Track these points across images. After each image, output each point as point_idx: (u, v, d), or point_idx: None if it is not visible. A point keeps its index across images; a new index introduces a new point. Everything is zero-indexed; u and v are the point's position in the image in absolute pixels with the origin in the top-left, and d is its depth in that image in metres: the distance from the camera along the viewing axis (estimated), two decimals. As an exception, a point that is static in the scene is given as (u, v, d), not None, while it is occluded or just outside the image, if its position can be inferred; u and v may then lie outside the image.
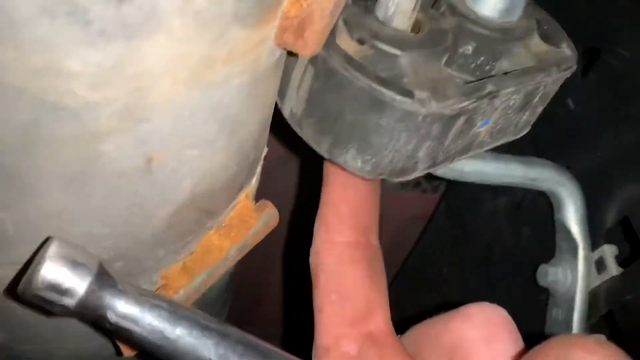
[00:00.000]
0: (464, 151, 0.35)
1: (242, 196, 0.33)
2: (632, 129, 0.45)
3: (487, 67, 0.34)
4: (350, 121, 0.30)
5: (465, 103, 0.30)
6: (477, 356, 0.30)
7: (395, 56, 0.30)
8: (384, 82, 0.28)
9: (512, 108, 0.34)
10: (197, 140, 0.24)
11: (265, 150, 0.34)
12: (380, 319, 0.32)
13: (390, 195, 0.91)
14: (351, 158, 0.31)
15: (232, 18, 0.21)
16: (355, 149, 0.30)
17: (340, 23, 0.30)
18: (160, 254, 0.29)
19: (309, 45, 0.25)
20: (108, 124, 0.21)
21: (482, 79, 0.32)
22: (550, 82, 0.34)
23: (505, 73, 0.33)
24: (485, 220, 0.62)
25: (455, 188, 0.70)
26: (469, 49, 0.33)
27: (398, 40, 0.30)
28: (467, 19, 0.33)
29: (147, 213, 0.26)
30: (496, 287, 0.60)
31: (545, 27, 0.37)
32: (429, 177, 0.40)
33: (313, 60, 0.30)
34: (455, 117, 0.30)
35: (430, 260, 0.75)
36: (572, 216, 0.46)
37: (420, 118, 0.29)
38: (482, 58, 0.34)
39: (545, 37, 0.36)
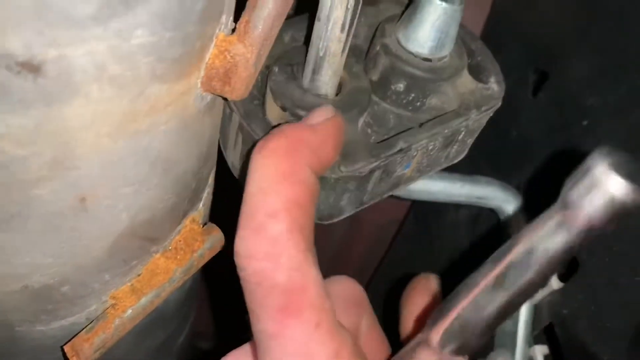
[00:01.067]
0: (392, 188, 0.37)
1: (187, 221, 0.35)
2: (571, 152, 0.47)
3: (418, 103, 0.37)
4: None
5: (374, 164, 0.32)
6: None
7: None
8: None
9: (434, 149, 0.36)
10: (130, 180, 0.27)
11: (212, 176, 0.36)
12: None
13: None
14: None
15: (150, 78, 0.23)
16: None
17: (268, 90, 0.33)
18: (106, 277, 0.32)
19: (236, 90, 0.27)
20: (38, 173, 0.23)
21: (393, 136, 0.34)
22: (472, 123, 0.37)
23: (421, 124, 0.35)
24: (447, 231, 0.65)
25: (422, 198, 0.72)
26: (400, 86, 0.36)
27: (316, 107, 0.32)
28: (399, 59, 0.35)
29: (88, 244, 0.28)
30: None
31: (478, 59, 0.39)
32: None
33: (241, 128, 0.33)
34: (368, 174, 0.33)
35: (400, 266, 0.78)
36: (516, 231, 0.49)
37: (332, 181, 0.31)
38: (412, 95, 0.36)
39: (476, 71, 0.39)
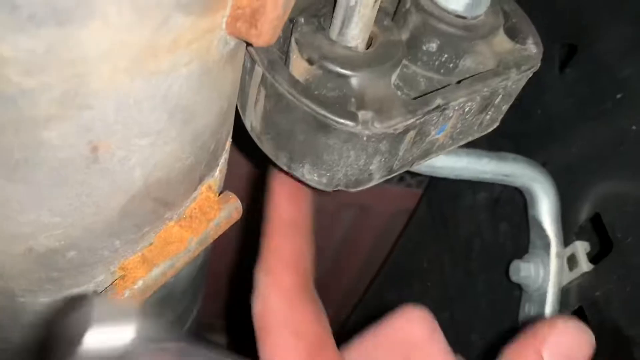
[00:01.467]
0: (423, 156, 0.35)
1: (203, 188, 0.33)
2: (605, 126, 0.44)
3: (451, 65, 0.34)
4: (301, 140, 0.30)
5: (411, 121, 0.30)
6: (431, 352, 0.30)
7: (343, 76, 0.30)
8: (326, 106, 0.29)
9: (470, 112, 0.34)
10: (146, 129, 0.24)
11: (229, 142, 0.34)
12: (333, 353, 0.33)
13: (375, 189, 0.91)
14: (307, 172, 0.31)
15: (175, 5, 0.20)
16: (310, 164, 0.31)
17: (293, 42, 0.30)
18: (116, 244, 0.29)
19: (263, 35, 0.25)
20: (47, 110, 0.20)
21: (431, 92, 0.31)
22: (511, 84, 0.34)
23: (459, 81, 0.32)
24: (464, 215, 0.62)
25: (437, 183, 0.70)
26: (433, 46, 0.33)
27: (346, 60, 0.30)
28: (431, 16, 0.33)
29: (98, 203, 0.26)
30: (475, 281, 0.60)
31: (513, 21, 0.37)
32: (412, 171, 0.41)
33: (264, 81, 0.30)
34: (403, 133, 0.30)
35: (412, 253, 0.75)
36: (546, 212, 0.46)
37: (364, 138, 0.29)
38: (446, 55, 0.34)
39: (512, 33, 0.36)
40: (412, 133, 0.31)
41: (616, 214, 0.42)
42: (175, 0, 0.20)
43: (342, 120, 0.29)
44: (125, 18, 0.19)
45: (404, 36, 0.34)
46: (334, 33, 0.31)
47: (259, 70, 0.31)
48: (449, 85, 0.33)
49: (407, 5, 0.34)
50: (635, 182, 0.41)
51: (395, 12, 0.36)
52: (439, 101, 0.31)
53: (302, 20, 0.31)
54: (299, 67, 0.31)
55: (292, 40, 0.31)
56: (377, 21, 0.32)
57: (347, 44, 0.31)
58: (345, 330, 0.90)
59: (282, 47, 0.32)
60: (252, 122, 0.34)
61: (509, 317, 0.52)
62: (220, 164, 0.34)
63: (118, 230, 0.28)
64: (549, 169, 0.49)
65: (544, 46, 0.52)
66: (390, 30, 0.33)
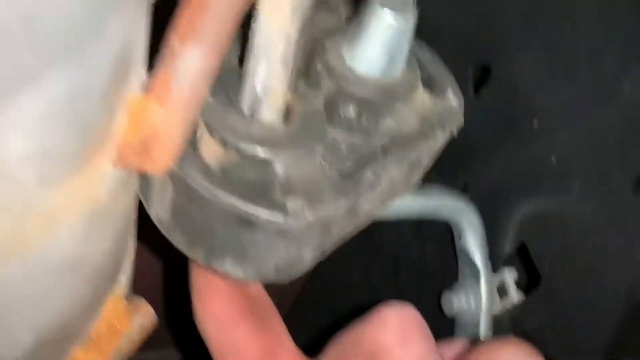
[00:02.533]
0: (355, 229, 0.32)
1: (108, 301, 0.29)
2: (523, 153, 0.44)
3: (372, 128, 0.32)
4: (222, 235, 0.26)
5: (344, 203, 0.27)
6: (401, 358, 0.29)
7: (264, 160, 0.26)
8: (250, 199, 0.25)
9: (398, 178, 0.32)
10: (29, 298, 0.20)
11: (133, 244, 0.30)
12: (285, 356, 0.32)
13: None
14: (230, 267, 0.28)
15: (38, 188, 0.16)
16: (233, 259, 0.27)
17: (201, 123, 0.26)
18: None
19: (160, 165, 0.21)
20: None
21: (357, 166, 0.29)
22: (436, 143, 0.32)
23: (384, 149, 0.30)
24: (390, 232, 0.61)
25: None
26: (350, 111, 0.31)
27: (266, 140, 0.26)
28: (346, 81, 0.30)
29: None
30: (406, 297, 0.59)
31: (430, 71, 0.35)
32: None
33: (171, 174, 0.26)
34: (334, 217, 0.28)
35: (341, 266, 0.74)
36: (473, 243, 0.46)
37: (296, 231, 0.26)
38: (365, 119, 0.31)
39: (430, 85, 0.34)
40: (344, 213, 0.29)
41: (542, 247, 0.42)
42: (38, 182, 0.16)
43: (269, 215, 0.26)
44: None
45: (322, 96, 0.31)
46: (246, 107, 0.27)
47: None
48: (374, 155, 0.30)
49: (319, 69, 0.31)
50: (558, 215, 0.41)
51: (305, 71, 0.33)
52: (370, 177, 0.29)
53: (210, 96, 0.27)
54: (210, 151, 0.27)
55: (200, 119, 0.27)
56: (293, 88, 0.29)
57: (262, 121, 0.27)
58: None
59: None
60: (159, 213, 0.30)
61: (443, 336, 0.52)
62: (125, 269, 0.30)
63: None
64: (471, 192, 0.48)
65: (455, 64, 0.51)
66: (307, 98, 0.30)
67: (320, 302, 0.76)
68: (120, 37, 0.16)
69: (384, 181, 0.30)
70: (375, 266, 0.64)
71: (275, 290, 0.95)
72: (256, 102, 0.27)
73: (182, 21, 0.19)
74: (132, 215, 0.27)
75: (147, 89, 0.20)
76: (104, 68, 0.16)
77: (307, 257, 0.30)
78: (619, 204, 0.37)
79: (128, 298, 0.30)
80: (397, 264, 0.60)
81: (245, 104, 0.27)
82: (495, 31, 0.46)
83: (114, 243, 0.25)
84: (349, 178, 0.28)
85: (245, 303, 0.33)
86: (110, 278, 0.27)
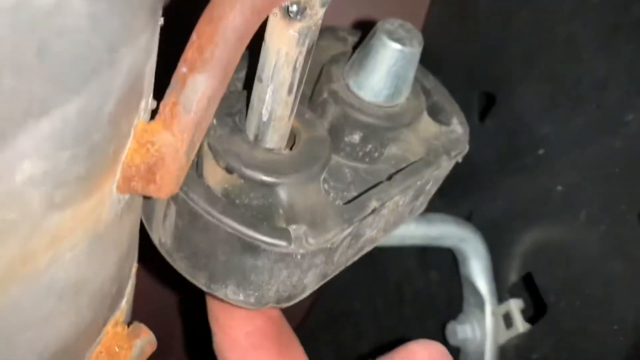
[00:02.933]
0: (357, 254, 0.32)
1: (109, 326, 0.29)
2: (526, 180, 0.44)
3: (376, 154, 0.32)
4: (224, 260, 0.26)
5: (348, 231, 0.27)
6: None
7: (268, 185, 0.26)
8: (253, 225, 0.25)
9: (403, 205, 0.32)
10: (29, 322, 0.20)
11: (135, 267, 0.30)
12: None
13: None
14: (231, 293, 0.28)
15: (46, 210, 0.16)
16: (235, 285, 0.27)
17: (206, 147, 0.26)
18: None
19: (164, 189, 0.21)
20: None
21: (362, 194, 0.29)
22: (442, 171, 0.32)
23: (390, 177, 0.30)
24: (393, 260, 0.61)
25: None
26: (355, 138, 0.31)
27: (270, 166, 0.27)
28: (352, 107, 0.30)
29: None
30: (410, 329, 0.59)
31: (434, 98, 0.35)
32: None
33: (174, 197, 0.26)
34: (339, 243, 0.28)
35: (343, 294, 0.73)
36: (478, 271, 0.45)
37: (299, 257, 0.26)
38: (370, 146, 0.31)
39: (435, 112, 0.34)
40: (347, 240, 0.29)
41: (548, 276, 0.41)
42: (46, 203, 0.16)
43: (272, 241, 0.26)
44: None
45: (326, 123, 0.32)
46: (251, 134, 0.27)
47: None
48: (380, 183, 0.30)
49: (325, 95, 0.31)
50: (563, 244, 0.40)
51: (311, 96, 0.33)
52: (374, 204, 0.29)
53: (215, 121, 0.28)
54: (215, 175, 0.27)
55: (205, 145, 0.27)
56: (298, 115, 0.29)
57: (267, 146, 0.27)
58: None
59: None
60: (161, 237, 0.30)
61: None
62: (126, 294, 0.30)
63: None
64: (476, 220, 0.48)
65: (461, 92, 0.51)
66: (313, 125, 0.30)
67: (321, 330, 0.75)
68: (131, 64, 0.16)
69: (388, 208, 0.30)
70: (379, 294, 0.64)
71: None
72: (261, 127, 0.27)
73: (191, 50, 0.20)
74: (135, 239, 0.27)
75: (155, 115, 0.21)
76: (114, 94, 0.16)
77: (309, 283, 0.30)
78: (624, 233, 0.37)
79: (129, 323, 0.30)
80: (401, 292, 0.60)
81: (251, 130, 0.27)
82: (500, 60, 0.46)
83: (116, 266, 0.25)
84: (353, 205, 0.28)
85: (266, 327, 0.33)
86: (112, 302, 0.27)
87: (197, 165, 0.28)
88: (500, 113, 0.46)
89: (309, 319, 0.80)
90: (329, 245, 0.27)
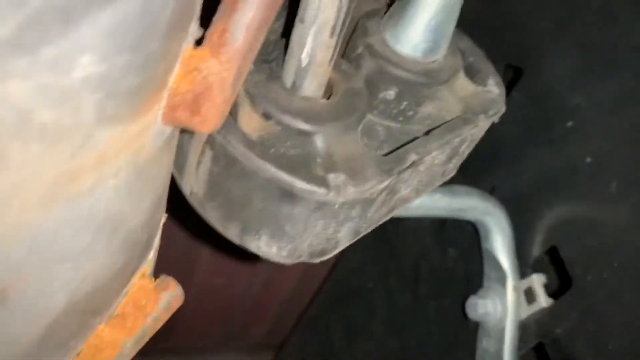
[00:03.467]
0: (388, 213, 0.31)
1: (136, 278, 0.28)
2: (554, 153, 0.43)
3: (411, 112, 0.31)
4: (259, 208, 0.26)
5: (387, 182, 0.26)
6: None
7: (306, 133, 0.25)
8: (292, 171, 0.24)
9: (438, 164, 0.31)
10: (68, 254, 0.19)
11: (164, 217, 0.29)
12: None
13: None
14: (264, 244, 0.27)
15: (97, 121, 0.16)
16: (268, 235, 0.26)
17: (242, 93, 0.26)
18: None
19: (209, 122, 0.20)
20: None
21: (403, 145, 0.28)
22: (478, 130, 0.32)
23: (428, 132, 0.29)
24: (409, 237, 0.60)
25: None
26: (390, 94, 0.30)
27: (308, 114, 0.26)
28: (387, 61, 0.30)
29: (12, 338, 0.21)
30: (425, 307, 0.58)
31: (470, 59, 0.34)
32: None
33: (210, 141, 0.25)
34: (376, 195, 0.27)
35: (354, 273, 0.73)
36: (500, 245, 0.45)
37: (337, 206, 0.25)
38: (405, 103, 0.30)
39: (471, 73, 0.34)
40: (384, 194, 0.28)
41: (574, 249, 0.41)
42: (98, 114, 0.15)
43: (311, 188, 0.25)
44: (32, 152, 0.14)
45: (363, 77, 0.31)
46: (289, 82, 0.26)
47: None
48: (417, 137, 0.30)
49: (359, 50, 0.30)
50: (592, 216, 0.40)
51: (344, 52, 0.32)
52: (413, 157, 0.28)
53: (252, 66, 0.27)
54: (251, 122, 0.26)
55: (242, 91, 0.26)
56: (335, 65, 0.28)
57: (305, 94, 0.27)
58: (287, 352, 0.86)
59: None
60: (193, 187, 0.29)
61: (465, 348, 0.50)
62: (154, 244, 0.29)
63: (42, 351, 0.23)
64: (498, 195, 0.47)
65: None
66: (350, 77, 0.29)
67: (332, 307, 0.75)
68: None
69: (425, 164, 0.29)
70: (393, 272, 0.63)
71: (286, 295, 0.94)
72: (300, 74, 0.26)
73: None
74: (166, 186, 0.27)
75: (202, 43, 0.20)
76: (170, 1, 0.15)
77: (342, 237, 0.29)
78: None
79: (156, 276, 0.29)
80: (417, 270, 0.59)
81: (289, 77, 0.27)
82: (528, 32, 0.45)
83: (150, 211, 0.24)
84: (393, 157, 0.27)
85: None
86: (142, 251, 0.26)
87: (233, 112, 0.28)
88: (527, 86, 0.45)
89: (321, 294, 0.79)
90: (367, 196, 0.27)
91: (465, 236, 0.51)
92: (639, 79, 0.37)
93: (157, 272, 0.30)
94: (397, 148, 0.28)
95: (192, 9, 0.18)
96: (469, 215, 0.45)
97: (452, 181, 0.45)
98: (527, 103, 0.46)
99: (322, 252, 0.29)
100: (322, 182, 0.25)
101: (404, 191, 0.30)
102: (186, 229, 0.67)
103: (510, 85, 0.48)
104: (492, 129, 0.50)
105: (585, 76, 0.41)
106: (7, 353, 0.21)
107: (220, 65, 0.19)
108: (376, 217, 0.30)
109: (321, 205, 0.25)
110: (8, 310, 0.19)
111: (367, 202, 0.27)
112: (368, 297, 0.67)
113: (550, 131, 0.43)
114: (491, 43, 0.48)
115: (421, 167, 0.29)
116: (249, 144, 0.25)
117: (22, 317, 0.20)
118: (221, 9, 0.19)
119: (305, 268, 0.90)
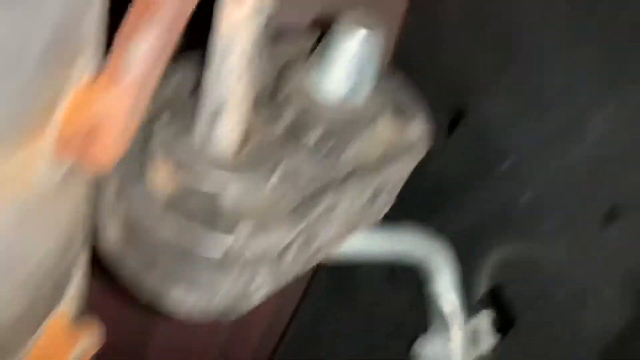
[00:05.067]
0: (312, 259, 0.31)
1: (51, 321, 0.27)
2: (494, 193, 0.43)
3: (335, 154, 0.31)
4: (169, 264, 0.26)
5: (296, 231, 0.26)
6: None
7: (213, 186, 0.26)
8: (198, 224, 0.25)
9: (359, 207, 0.31)
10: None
11: (85, 255, 0.28)
12: None
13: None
14: (179, 297, 0.27)
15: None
16: (182, 289, 0.27)
17: (152, 148, 0.26)
18: None
19: (105, 156, 0.20)
20: None
21: (313, 194, 0.28)
22: (400, 172, 0.32)
23: (345, 177, 0.29)
24: (362, 281, 0.59)
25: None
26: (315, 134, 0.30)
27: (216, 166, 0.26)
28: (312, 104, 0.30)
29: None
30: (379, 352, 0.57)
31: (398, 100, 0.35)
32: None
33: (119, 193, 0.25)
34: (287, 245, 0.27)
35: (316, 318, 0.72)
36: (445, 286, 0.44)
37: (241, 261, 0.25)
38: (330, 143, 0.31)
39: (399, 112, 0.34)
40: (297, 243, 0.28)
41: (515, 288, 0.41)
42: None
43: (216, 240, 0.25)
44: None
45: (285, 122, 0.31)
46: (198, 134, 0.26)
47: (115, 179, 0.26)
48: (332, 182, 0.30)
49: (286, 91, 0.31)
50: (530, 255, 0.40)
51: (269, 95, 0.32)
52: (325, 203, 0.28)
53: (165, 119, 0.27)
54: (160, 178, 0.26)
55: (152, 145, 0.26)
56: (256, 112, 0.28)
57: (217, 147, 0.27)
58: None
59: (138, 153, 0.27)
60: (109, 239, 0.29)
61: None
62: (73, 285, 0.28)
63: None
64: (444, 236, 0.47)
65: (430, 106, 0.51)
66: (267, 127, 0.29)
67: (296, 355, 0.73)
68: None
69: (342, 209, 0.29)
70: (348, 317, 0.62)
71: (251, 344, 0.91)
72: (210, 126, 0.26)
73: (138, 6, 0.19)
74: (82, 224, 0.26)
75: (97, 76, 0.20)
76: (46, 25, 0.15)
77: (258, 288, 0.28)
78: (588, 241, 0.36)
79: (77, 315, 0.28)
80: (371, 313, 0.58)
81: (199, 130, 0.27)
82: (469, 74, 0.46)
83: (57, 246, 0.23)
84: (304, 203, 0.27)
85: None
86: (54, 288, 0.25)
87: (142, 165, 0.28)
88: (468, 126, 0.46)
89: (282, 345, 0.78)
90: (278, 244, 0.27)
91: (418, 279, 0.51)
92: (566, 120, 0.38)
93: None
94: (312, 193, 0.28)
95: (78, 41, 0.18)
96: (414, 255, 0.44)
97: (397, 222, 0.45)
98: (469, 144, 0.46)
99: (240, 304, 0.28)
100: (228, 233, 0.25)
101: (325, 237, 0.30)
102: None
103: (452, 126, 0.49)
104: (438, 170, 0.51)
105: (519, 117, 0.41)
106: None
107: (113, 98, 0.19)
108: (295, 266, 0.30)
109: (229, 257, 0.25)
110: None
111: (279, 253, 0.27)
112: (326, 343, 0.66)
113: (491, 171, 0.44)
114: (431, 82, 0.49)
115: (338, 211, 0.29)
116: (153, 199, 0.25)
117: None
118: (117, 40, 0.20)
119: (270, 316, 0.88)
